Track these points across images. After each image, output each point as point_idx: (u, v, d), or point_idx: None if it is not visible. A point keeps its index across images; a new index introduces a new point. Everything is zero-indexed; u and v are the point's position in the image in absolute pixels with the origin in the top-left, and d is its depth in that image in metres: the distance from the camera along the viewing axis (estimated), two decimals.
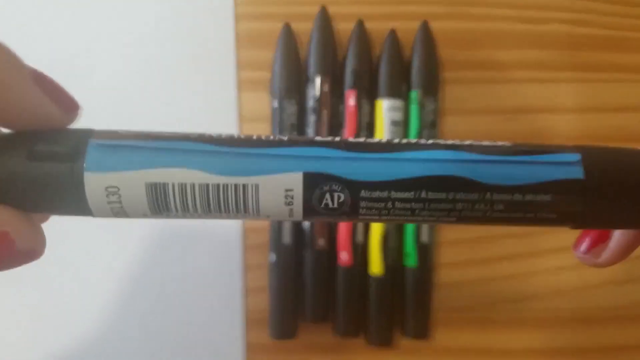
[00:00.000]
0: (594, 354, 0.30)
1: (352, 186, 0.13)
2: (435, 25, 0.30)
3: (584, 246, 0.17)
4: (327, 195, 0.13)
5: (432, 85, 0.29)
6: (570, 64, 0.30)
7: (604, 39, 0.30)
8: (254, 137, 0.13)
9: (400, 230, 0.29)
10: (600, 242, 0.17)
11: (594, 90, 0.30)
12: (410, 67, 0.29)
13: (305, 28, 0.29)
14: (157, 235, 0.29)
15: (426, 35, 0.29)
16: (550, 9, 0.30)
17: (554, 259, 0.30)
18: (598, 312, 0.30)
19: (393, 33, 0.29)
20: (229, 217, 0.13)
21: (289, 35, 0.29)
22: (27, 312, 0.28)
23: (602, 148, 0.14)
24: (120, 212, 0.13)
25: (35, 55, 0.15)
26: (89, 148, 0.13)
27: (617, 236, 0.16)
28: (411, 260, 0.29)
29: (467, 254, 0.30)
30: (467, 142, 0.14)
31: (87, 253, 0.29)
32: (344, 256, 0.28)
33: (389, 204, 0.13)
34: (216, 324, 0.29)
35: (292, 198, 0.13)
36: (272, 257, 0.28)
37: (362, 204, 0.13)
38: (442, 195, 0.13)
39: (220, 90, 0.29)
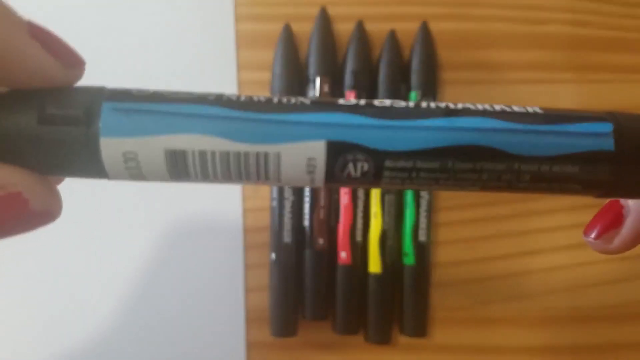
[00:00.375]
0: (591, 351, 0.30)
1: (377, 156, 0.13)
2: (434, 26, 0.30)
3: (595, 232, 0.16)
4: (350, 165, 0.13)
5: (431, 86, 0.29)
6: (570, 64, 0.30)
7: (605, 39, 0.30)
8: (275, 100, 0.13)
9: (398, 230, 0.29)
10: (611, 228, 0.16)
11: (595, 91, 0.30)
12: (409, 68, 0.29)
13: (305, 29, 0.30)
14: (159, 235, 0.29)
15: (426, 36, 0.29)
16: (550, 10, 0.30)
17: (551, 258, 0.30)
18: (595, 311, 0.30)
19: (393, 34, 0.29)
20: (249, 183, 0.13)
21: (289, 36, 0.29)
22: (27, 312, 0.29)
23: (634, 116, 0.13)
24: (138, 176, 0.13)
25: None
26: (103, 111, 0.12)
27: (630, 222, 0.16)
28: (409, 259, 0.29)
29: (465, 252, 0.30)
30: (499, 108, 0.13)
31: (89, 253, 0.29)
32: (344, 255, 0.29)
33: (413, 174, 0.13)
34: (217, 322, 0.29)
35: (315, 167, 0.13)
36: (273, 256, 0.29)
37: (386, 173, 0.13)
38: (469, 166, 0.13)
39: (221, 91, 0.30)
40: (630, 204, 0.16)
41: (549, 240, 0.30)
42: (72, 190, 0.16)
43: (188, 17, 0.30)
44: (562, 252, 0.30)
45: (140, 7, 0.30)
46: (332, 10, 0.30)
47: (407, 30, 0.30)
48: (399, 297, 0.29)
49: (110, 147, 0.12)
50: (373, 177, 0.13)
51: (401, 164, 0.13)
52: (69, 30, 0.29)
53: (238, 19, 0.30)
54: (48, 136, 0.12)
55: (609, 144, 0.13)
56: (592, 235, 0.16)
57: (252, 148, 0.12)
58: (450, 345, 0.30)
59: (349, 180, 0.13)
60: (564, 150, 0.13)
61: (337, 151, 0.12)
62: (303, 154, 0.12)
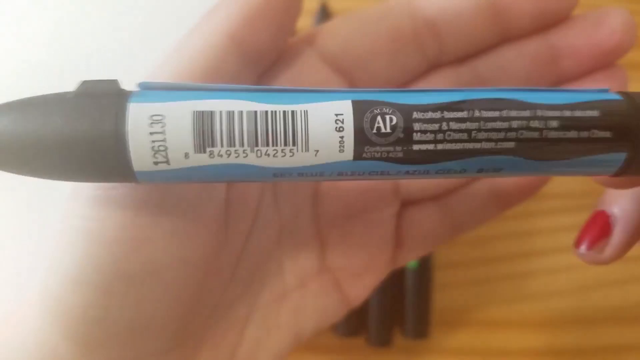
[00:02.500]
0: (595, 354, 0.30)
1: (403, 108, 0.13)
2: None
3: (585, 244, 0.17)
4: (379, 118, 0.13)
5: None
6: None
7: None
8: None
9: None
10: (601, 238, 0.16)
11: None
12: None
13: (304, 24, 0.29)
14: None
15: None
16: None
17: (553, 259, 0.30)
18: (597, 313, 0.30)
19: None
20: (276, 154, 0.13)
21: None
22: None
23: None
24: (161, 148, 0.12)
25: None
26: (133, 92, 0.13)
27: (618, 230, 0.16)
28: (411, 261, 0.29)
29: (467, 254, 0.30)
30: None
31: None
32: None
33: (444, 125, 0.13)
34: None
35: (342, 122, 0.13)
36: None
37: (416, 126, 0.13)
38: (496, 114, 0.13)
39: None
40: (616, 211, 0.16)
41: (553, 241, 0.30)
42: None
43: (187, 13, 0.29)
44: (565, 254, 0.30)
45: (139, 5, 0.29)
46: (332, 5, 0.29)
47: None
48: (401, 299, 0.29)
49: (137, 109, 0.12)
50: (404, 133, 0.13)
51: (429, 114, 0.13)
52: (67, 20, 0.28)
53: None
54: (77, 103, 0.12)
55: (617, 97, 0.14)
56: (583, 248, 0.17)
57: (279, 107, 0.13)
58: (453, 348, 0.30)
59: (381, 140, 0.13)
60: (581, 98, 0.13)
61: (364, 106, 0.13)
62: (330, 110, 0.13)
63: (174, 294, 0.15)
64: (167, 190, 0.14)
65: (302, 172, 0.13)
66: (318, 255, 0.18)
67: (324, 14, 0.29)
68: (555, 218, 0.30)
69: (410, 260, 0.20)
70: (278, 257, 0.18)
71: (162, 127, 0.12)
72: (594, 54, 0.17)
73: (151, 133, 0.12)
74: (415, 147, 0.13)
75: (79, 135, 0.12)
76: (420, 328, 0.29)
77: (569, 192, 0.30)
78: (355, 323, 0.29)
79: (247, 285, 0.17)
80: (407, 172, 0.13)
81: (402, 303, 0.29)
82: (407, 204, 0.19)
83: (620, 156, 0.13)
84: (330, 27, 0.17)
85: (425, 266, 0.29)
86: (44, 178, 0.12)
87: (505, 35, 0.17)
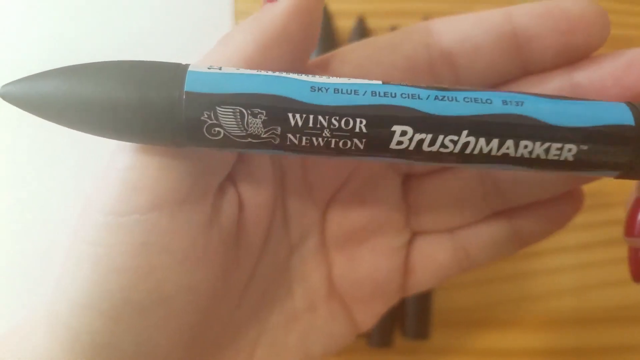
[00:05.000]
0: (596, 354, 0.30)
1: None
2: None
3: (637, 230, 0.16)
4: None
5: None
6: None
7: (611, 37, 0.30)
8: None
9: None
10: None
11: None
12: None
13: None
14: None
15: None
16: None
17: (553, 260, 0.30)
18: (598, 313, 0.30)
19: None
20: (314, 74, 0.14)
21: None
22: None
23: None
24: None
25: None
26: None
27: None
28: None
29: None
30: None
31: None
32: None
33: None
34: None
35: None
36: None
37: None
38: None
39: None
40: None
41: (553, 241, 0.30)
42: None
43: (187, 12, 0.30)
44: (566, 254, 0.30)
45: (139, 3, 0.30)
46: (332, 7, 0.29)
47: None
48: (401, 299, 0.29)
49: (195, 73, 0.13)
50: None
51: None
52: (64, 10, 0.28)
53: (237, 14, 0.30)
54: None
55: (628, 118, 0.13)
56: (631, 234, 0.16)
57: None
58: (453, 348, 0.29)
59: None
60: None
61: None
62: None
63: (181, 321, 0.15)
64: (177, 215, 0.14)
65: (338, 89, 0.13)
66: (327, 279, 0.18)
67: (325, 16, 0.29)
68: None
69: (420, 290, 0.20)
70: (288, 280, 0.18)
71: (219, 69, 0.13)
72: (622, 97, 0.16)
73: (209, 68, 0.13)
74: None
75: (138, 93, 0.12)
76: (421, 329, 0.29)
77: None
78: None
79: (257, 308, 0.17)
80: (436, 98, 0.13)
81: (402, 304, 0.29)
82: (419, 233, 0.19)
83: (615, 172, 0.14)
84: (344, 54, 0.16)
85: None
86: (99, 135, 0.13)
87: (526, 68, 0.16)
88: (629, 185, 0.29)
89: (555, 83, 0.16)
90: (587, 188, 0.31)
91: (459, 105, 0.13)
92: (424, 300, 0.29)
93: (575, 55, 0.16)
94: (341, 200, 0.18)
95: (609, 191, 0.30)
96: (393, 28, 0.29)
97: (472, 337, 0.30)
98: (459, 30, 0.16)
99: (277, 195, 0.17)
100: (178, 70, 0.13)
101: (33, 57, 0.29)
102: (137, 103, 0.12)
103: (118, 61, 0.13)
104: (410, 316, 0.29)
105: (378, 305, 0.19)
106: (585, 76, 0.16)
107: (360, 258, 0.18)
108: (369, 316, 0.19)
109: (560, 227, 0.18)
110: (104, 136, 0.13)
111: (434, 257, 0.19)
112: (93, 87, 0.12)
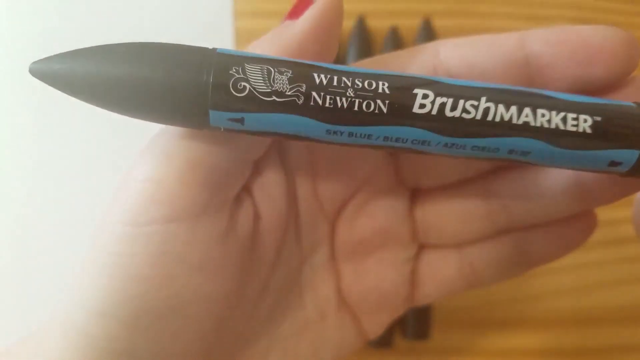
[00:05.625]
0: (596, 354, 0.30)
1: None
2: (437, 23, 0.29)
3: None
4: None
5: None
6: None
7: None
8: None
9: None
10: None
11: None
12: None
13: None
14: None
15: (428, 33, 0.29)
16: (556, 7, 0.30)
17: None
18: (598, 313, 0.30)
19: (394, 30, 0.29)
20: None
21: None
22: None
23: None
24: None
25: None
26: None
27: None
28: None
29: None
30: (551, 125, 0.14)
31: None
32: None
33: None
34: None
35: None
36: None
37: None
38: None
39: None
40: None
41: None
42: None
43: (186, 13, 0.30)
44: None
45: (138, 3, 0.30)
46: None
47: (409, 26, 0.29)
48: None
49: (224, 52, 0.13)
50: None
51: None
52: (65, 9, 0.28)
53: (237, 15, 0.29)
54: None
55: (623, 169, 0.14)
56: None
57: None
58: (453, 348, 0.30)
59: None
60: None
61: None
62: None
63: (197, 330, 0.15)
64: (195, 227, 0.14)
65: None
66: (336, 290, 0.18)
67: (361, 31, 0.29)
68: None
69: (427, 302, 0.20)
70: (299, 290, 0.18)
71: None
72: None
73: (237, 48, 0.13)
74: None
75: (168, 72, 0.13)
76: (421, 329, 0.29)
77: None
78: None
79: (269, 318, 0.17)
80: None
81: None
82: (427, 247, 0.19)
83: (634, 154, 0.13)
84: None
85: None
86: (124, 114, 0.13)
87: None
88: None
89: None
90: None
91: (477, 82, 0.14)
92: None
93: (593, 87, 0.14)
94: (350, 212, 0.18)
95: None
96: (393, 28, 0.29)
97: (472, 337, 0.30)
98: (467, 55, 0.15)
99: (290, 206, 0.17)
100: (207, 49, 0.13)
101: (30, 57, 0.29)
102: (167, 65, 0.13)
103: (144, 42, 0.13)
104: (410, 316, 0.29)
105: (385, 315, 0.19)
106: None
107: (368, 270, 0.18)
108: (376, 326, 0.19)
109: (570, 250, 0.18)
110: (128, 109, 0.13)
111: (440, 271, 0.19)
112: (120, 58, 0.13)
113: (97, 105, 0.13)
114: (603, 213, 0.30)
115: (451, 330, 0.30)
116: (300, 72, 0.13)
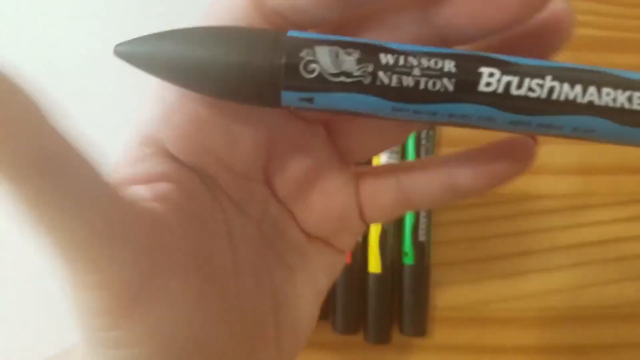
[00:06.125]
0: (590, 352, 0.30)
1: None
2: None
3: None
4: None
5: None
6: None
7: (605, 40, 0.30)
8: None
9: (398, 229, 0.29)
10: None
11: None
12: None
13: None
14: None
15: None
16: None
17: (550, 257, 0.30)
18: (594, 311, 0.30)
19: None
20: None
21: None
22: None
23: None
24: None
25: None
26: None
27: None
28: (409, 258, 0.29)
29: (465, 252, 0.30)
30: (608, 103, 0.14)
31: None
32: None
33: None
34: None
35: None
36: None
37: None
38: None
39: None
40: None
41: (549, 240, 0.30)
42: None
43: (186, 14, 0.30)
44: (561, 252, 0.30)
45: (138, 5, 0.30)
46: None
47: None
48: (399, 296, 0.29)
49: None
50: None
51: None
52: (64, 9, 0.29)
53: None
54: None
55: None
56: None
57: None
58: (450, 345, 0.30)
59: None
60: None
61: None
62: None
63: None
64: (139, 320, 0.14)
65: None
66: (299, 229, 0.19)
67: None
68: (550, 218, 0.30)
69: (376, 223, 0.21)
70: (271, 248, 0.19)
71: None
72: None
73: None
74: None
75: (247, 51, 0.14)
76: (419, 326, 0.29)
77: (563, 193, 0.31)
78: (353, 320, 0.29)
79: (261, 286, 0.18)
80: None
81: (400, 301, 0.29)
82: (362, 177, 0.20)
83: None
84: None
85: (422, 264, 0.29)
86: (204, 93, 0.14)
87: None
88: (620, 186, 0.30)
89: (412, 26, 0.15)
90: (578, 188, 0.31)
91: (542, 60, 0.14)
92: (421, 297, 0.29)
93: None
94: (275, 165, 0.18)
95: (601, 192, 0.31)
96: None
97: (469, 334, 0.30)
98: None
99: (214, 197, 0.17)
100: (279, 33, 0.14)
101: (34, 55, 0.29)
102: (243, 48, 0.14)
103: (221, 26, 0.14)
104: (407, 313, 0.29)
105: (348, 235, 0.19)
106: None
107: (315, 202, 0.19)
108: (347, 244, 0.20)
109: (496, 185, 0.19)
110: (205, 89, 0.14)
111: (379, 199, 0.19)
112: (199, 42, 0.14)
113: (175, 84, 0.14)
114: (600, 213, 0.30)
115: (448, 328, 0.30)
116: (368, 52, 0.13)
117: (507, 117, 0.14)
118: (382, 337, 0.29)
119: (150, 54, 0.14)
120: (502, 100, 0.13)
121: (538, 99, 0.13)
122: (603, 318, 0.30)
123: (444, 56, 0.13)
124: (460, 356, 0.30)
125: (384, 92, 0.13)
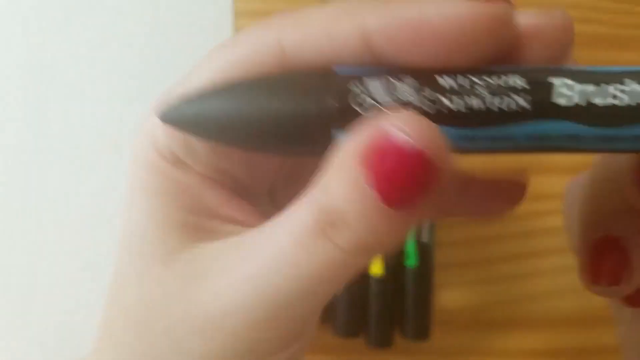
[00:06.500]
0: (593, 354, 0.30)
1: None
2: None
3: (607, 277, 0.14)
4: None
5: None
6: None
7: (610, 37, 0.30)
8: None
9: None
10: (622, 267, 0.15)
11: None
12: None
13: None
14: None
15: None
16: (554, 7, 0.30)
17: (553, 260, 0.30)
18: (597, 313, 0.30)
19: None
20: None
21: None
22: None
23: None
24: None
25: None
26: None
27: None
28: (411, 260, 0.29)
29: (468, 254, 0.30)
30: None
31: None
32: None
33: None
34: None
35: None
36: None
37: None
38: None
39: None
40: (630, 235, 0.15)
41: (553, 242, 0.30)
42: None
43: (186, 13, 0.30)
44: (566, 253, 0.30)
45: (138, 4, 0.30)
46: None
47: None
48: (401, 299, 0.29)
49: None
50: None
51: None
52: (65, 9, 0.28)
53: (237, 15, 0.30)
54: None
55: None
56: (605, 282, 0.15)
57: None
58: (453, 349, 0.30)
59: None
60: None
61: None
62: None
63: None
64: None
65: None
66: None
67: None
68: (556, 218, 0.30)
69: None
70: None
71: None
72: None
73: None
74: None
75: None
76: (421, 329, 0.29)
77: None
78: (355, 324, 0.29)
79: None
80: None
81: (402, 303, 0.29)
82: None
83: None
84: None
85: (425, 267, 0.29)
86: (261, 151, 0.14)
87: None
88: None
89: None
90: None
91: (611, 67, 0.12)
92: (423, 300, 0.29)
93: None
94: (280, 183, 0.17)
95: None
96: None
97: (471, 337, 0.30)
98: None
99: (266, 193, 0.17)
100: (325, 70, 0.13)
101: (41, 57, 0.29)
102: (292, 96, 0.12)
103: (262, 76, 0.13)
104: (410, 317, 0.29)
105: None
106: None
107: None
108: None
109: (476, 218, 0.18)
110: (259, 146, 0.13)
111: None
112: (247, 96, 0.13)
113: (228, 145, 0.13)
114: None
115: (451, 331, 0.30)
116: (422, 77, 0.12)
117: (595, 132, 0.12)
118: (383, 341, 0.29)
119: (203, 117, 0.13)
120: (587, 113, 0.12)
121: (628, 107, 0.12)
122: (609, 320, 0.30)
123: (510, 71, 0.12)
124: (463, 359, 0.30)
125: (451, 118, 0.12)
